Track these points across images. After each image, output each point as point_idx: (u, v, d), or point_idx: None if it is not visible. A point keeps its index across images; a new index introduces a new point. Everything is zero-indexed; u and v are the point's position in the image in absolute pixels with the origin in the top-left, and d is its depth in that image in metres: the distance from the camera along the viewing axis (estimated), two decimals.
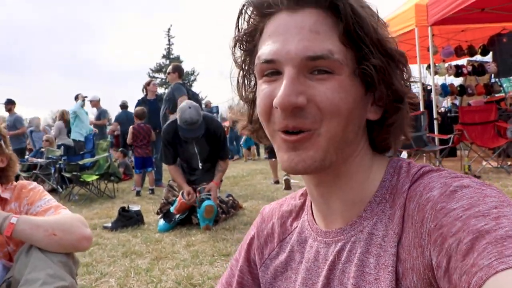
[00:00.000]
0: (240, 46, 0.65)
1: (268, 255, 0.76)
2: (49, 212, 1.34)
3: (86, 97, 8.80)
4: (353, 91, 0.57)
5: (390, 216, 0.59)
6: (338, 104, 0.55)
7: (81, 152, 7.85)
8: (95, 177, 6.63)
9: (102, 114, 9.64)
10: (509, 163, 6.27)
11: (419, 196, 0.55)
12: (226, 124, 14.96)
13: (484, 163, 6.08)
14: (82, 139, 8.39)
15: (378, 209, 0.61)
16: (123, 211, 4.33)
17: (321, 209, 0.68)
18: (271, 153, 6.88)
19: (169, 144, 4.10)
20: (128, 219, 4.21)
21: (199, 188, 4.06)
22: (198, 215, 3.89)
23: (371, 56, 0.56)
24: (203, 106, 13.43)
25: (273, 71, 0.58)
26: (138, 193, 6.61)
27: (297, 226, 0.74)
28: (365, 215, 0.62)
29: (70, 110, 8.67)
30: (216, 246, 3.31)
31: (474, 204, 0.49)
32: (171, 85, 6.35)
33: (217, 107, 20.08)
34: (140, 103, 7.54)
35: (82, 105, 8.69)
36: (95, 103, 9.28)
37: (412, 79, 0.62)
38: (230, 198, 4.61)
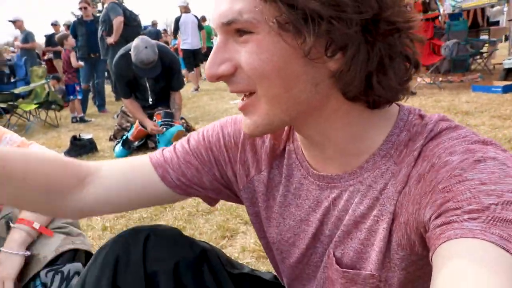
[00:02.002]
0: None
1: (254, 174, 0.74)
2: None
3: None
4: (278, 48, 0.51)
5: (393, 172, 0.58)
6: (260, 67, 0.52)
7: (12, 80, 7.29)
8: (34, 106, 6.27)
9: (29, 36, 8.81)
10: (440, 79, 6.76)
11: (437, 157, 0.53)
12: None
13: (419, 79, 6.50)
14: None
15: (381, 162, 0.59)
16: (75, 139, 4.23)
17: (314, 154, 0.66)
18: (189, 66, 8.96)
19: (122, 78, 3.92)
20: (82, 148, 4.14)
21: (157, 112, 4.03)
22: (159, 139, 3.91)
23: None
24: (151, 25, 12.63)
25: None
26: (77, 120, 6.50)
27: (284, 155, 0.71)
28: (366, 166, 0.60)
29: None
30: None
31: (493, 181, 0.46)
32: (106, 5, 5.91)
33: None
34: (75, 24, 6.96)
35: None
36: (19, 24, 8.38)
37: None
38: (184, 121, 4.64)
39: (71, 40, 6.54)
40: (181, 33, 8.70)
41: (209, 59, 0.56)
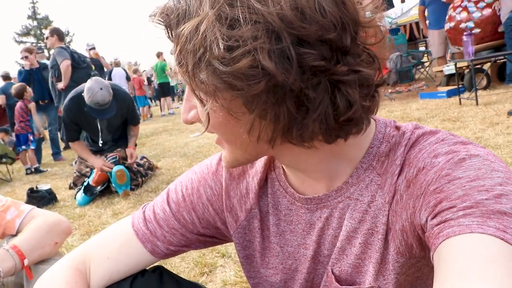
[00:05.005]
0: None
1: (245, 217, 0.74)
2: (10, 211, 1.19)
3: None
4: (215, 107, 0.52)
5: (378, 183, 0.59)
6: (206, 120, 0.56)
7: None
8: None
9: None
10: (389, 90, 7.07)
11: (422, 161, 0.54)
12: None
13: None
14: None
15: (364, 175, 0.61)
16: (32, 192, 4.03)
17: (298, 176, 0.67)
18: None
19: (72, 122, 3.80)
20: (40, 200, 3.93)
21: (108, 156, 3.93)
22: (112, 183, 3.81)
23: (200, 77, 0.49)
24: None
25: None
26: (32, 171, 6.23)
27: (267, 185, 0.72)
28: (351, 181, 0.61)
29: None
30: None
31: (481, 177, 0.48)
32: (54, 51, 5.79)
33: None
34: (24, 73, 6.74)
35: None
36: None
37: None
38: (145, 159, 4.55)
39: (30, 91, 6.34)
40: None
41: (182, 105, 0.62)
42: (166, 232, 0.75)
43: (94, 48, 7.96)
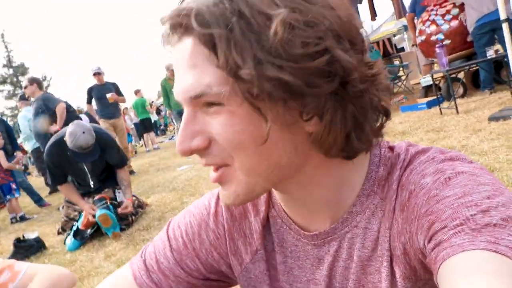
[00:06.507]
0: None
1: (250, 259, 0.70)
2: (3, 275, 1.14)
3: None
4: (253, 118, 0.49)
5: (383, 209, 0.59)
6: (236, 139, 0.50)
7: None
8: None
9: None
10: None
11: (413, 183, 0.55)
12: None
13: None
14: None
15: (368, 202, 0.60)
16: (19, 242, 3.90)
17: (297, 210, 0.65)
18: None
19: (56, 166, 3.75)
20: (28, 249, 3.82)
21: (95, 199, 3.86)
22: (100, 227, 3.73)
23: (256, 77, 0.46)
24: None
25: None
26: (17, 219, 6.05)
27: (269, 223, 0.69)
28: (355, 210, 0.60)
29: None
30: (138, 249, 3.22)
31: (468, 192, 0.49)
32: (38, 97, 5.84)
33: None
34: None
35: None
36: None
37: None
38: (134, 198, 4.47)
39: (0, 141, 6.20)
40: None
41: (179, 133, 0.53)
42: (172, 282, 0.71)
43: (99, 74, 7.07)
